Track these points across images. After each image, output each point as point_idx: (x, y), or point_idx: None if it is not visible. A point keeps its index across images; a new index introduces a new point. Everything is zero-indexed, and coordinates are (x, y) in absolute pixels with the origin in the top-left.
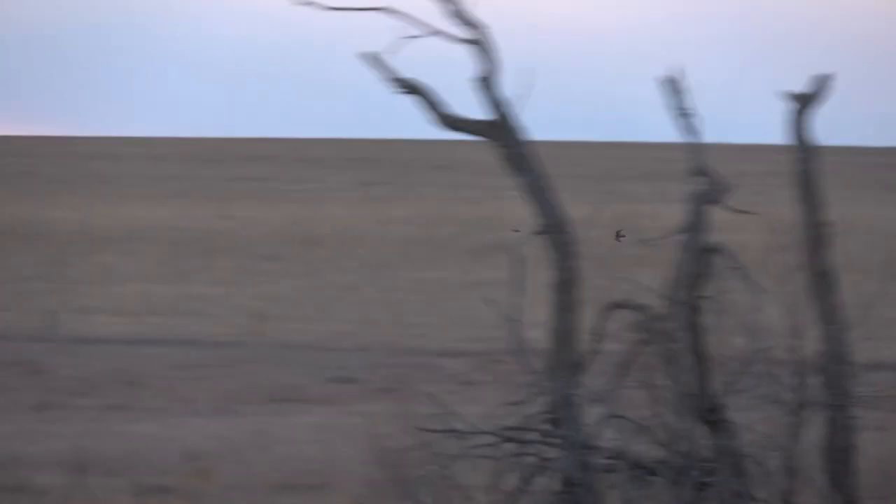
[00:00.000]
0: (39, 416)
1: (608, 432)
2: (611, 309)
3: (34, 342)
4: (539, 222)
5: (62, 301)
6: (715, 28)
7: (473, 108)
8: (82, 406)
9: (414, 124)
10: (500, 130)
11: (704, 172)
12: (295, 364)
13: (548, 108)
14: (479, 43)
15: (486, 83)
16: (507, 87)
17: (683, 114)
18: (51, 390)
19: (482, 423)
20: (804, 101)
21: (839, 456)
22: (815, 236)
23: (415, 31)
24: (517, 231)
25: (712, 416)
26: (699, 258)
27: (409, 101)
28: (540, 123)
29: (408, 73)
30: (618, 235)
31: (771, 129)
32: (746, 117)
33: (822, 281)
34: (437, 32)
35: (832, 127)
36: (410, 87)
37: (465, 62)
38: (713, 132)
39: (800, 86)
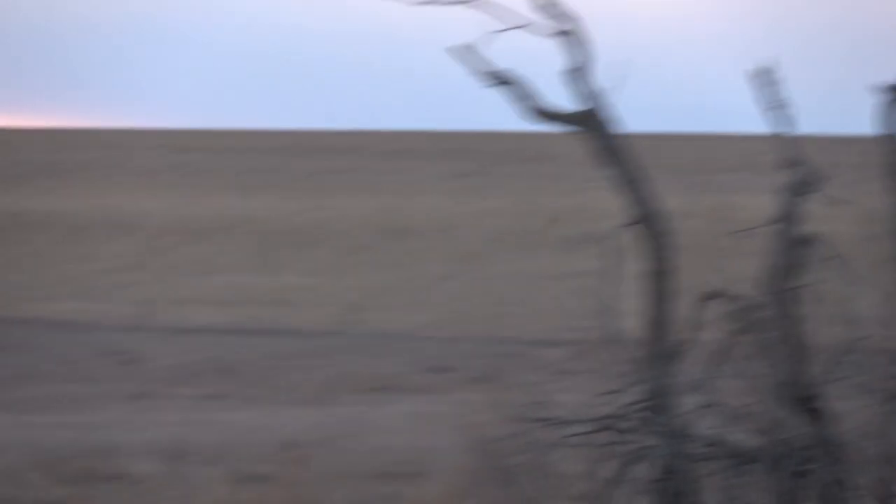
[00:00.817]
0: (136, 405)
1: (706, 421)
2: (706, 299)
3: (130, 332)
4: (632, 213)
5: (157, 291)
6: (809, 18)
7: (557, 100)
8: (179, 395)
9: (503, 117)
10: (592, 122)
11: (798, 163)
12: (391, 354)
13: (640, 98)
14: (572, 34)
15: (578, 74)
16: (599, 78)
17: (776, 105)
18: (147, 380)
19: (579, 412)
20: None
21: None
22: None
23: (503, 25)
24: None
25: (810, 405)
26: (794, 248)
27: (498, 94)
28: (633, 114)
29: (496, 67)
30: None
31: (863, 120)
32: (839, 108)
33: None
34: (526, 25)
35: None
36: (502, 79)
37: (545, 55)
38: (806, 123)
39: (892, 77)
